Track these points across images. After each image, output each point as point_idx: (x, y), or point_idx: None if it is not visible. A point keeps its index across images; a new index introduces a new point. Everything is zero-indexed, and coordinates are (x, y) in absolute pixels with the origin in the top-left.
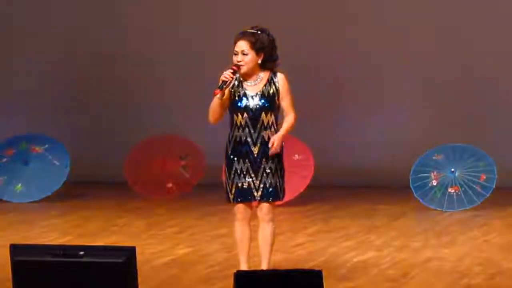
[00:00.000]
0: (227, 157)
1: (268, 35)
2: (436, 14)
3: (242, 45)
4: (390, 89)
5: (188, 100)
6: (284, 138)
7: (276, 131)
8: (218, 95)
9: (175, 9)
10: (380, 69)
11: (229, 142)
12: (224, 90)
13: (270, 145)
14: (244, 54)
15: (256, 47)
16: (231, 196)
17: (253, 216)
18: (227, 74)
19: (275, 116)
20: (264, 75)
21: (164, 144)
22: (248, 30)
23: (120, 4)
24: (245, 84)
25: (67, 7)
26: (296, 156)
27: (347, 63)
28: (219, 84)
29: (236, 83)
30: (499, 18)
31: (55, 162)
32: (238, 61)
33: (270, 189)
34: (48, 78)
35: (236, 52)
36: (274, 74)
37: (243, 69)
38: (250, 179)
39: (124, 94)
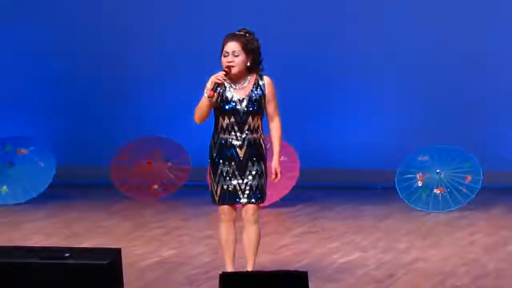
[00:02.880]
0: (212, 159)
1: (256, 37)
2: (423, 12)
3: (234, 46)
4: (376, 90)
5: (173, 102)
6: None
7: (262, 134)
8: (212, 97)
9: (162, 12)
10: (365, 70)
11: (214, 144)
12: (217, 92)
13: (273, 177)
14: (235, 56)
15: (247, 48)
16: (216, 198)
17: (238, 218)
18: (220, 77)
19: (261, 119)
20: (251, 78)
21: (150, 146)
22: (238, 32)
23: (108, 6)
24: (233, 87)
25: (55, 8)
26: (282, 157)
27: (331, 64)
28: (213, 86)
29: (225, 85)
30: (491, 18)
31: (41, 163)
32: (229, 62)
33: (256, 191)
34: (34, 80)
35: (226, 54)
36: (261, 77)
37: (234, 70)
38: (236, 181)
39: (110, 96)
